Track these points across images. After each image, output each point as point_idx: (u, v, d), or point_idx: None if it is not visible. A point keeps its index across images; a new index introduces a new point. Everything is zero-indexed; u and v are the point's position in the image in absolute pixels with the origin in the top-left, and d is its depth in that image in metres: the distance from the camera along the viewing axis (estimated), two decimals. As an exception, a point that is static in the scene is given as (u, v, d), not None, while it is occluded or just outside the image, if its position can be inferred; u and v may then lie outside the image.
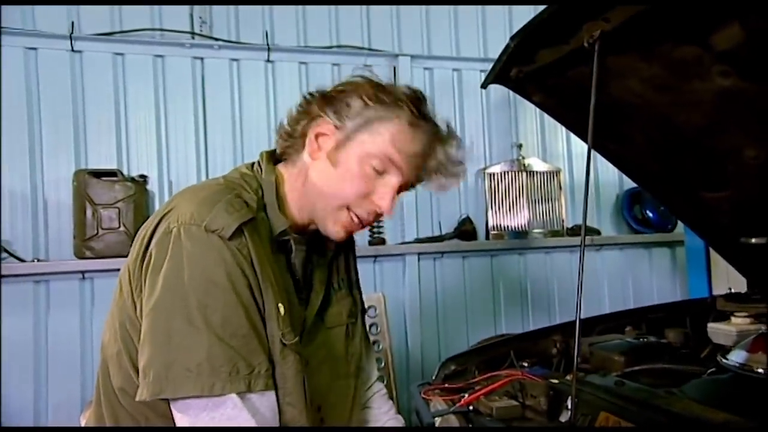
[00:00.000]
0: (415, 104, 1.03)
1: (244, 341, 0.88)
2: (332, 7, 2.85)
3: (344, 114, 1.01)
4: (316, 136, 1.03)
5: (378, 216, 1.06)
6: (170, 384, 0.84)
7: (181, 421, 0.87)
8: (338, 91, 1.04)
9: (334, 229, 1.05)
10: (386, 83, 1.06)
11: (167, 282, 0.87)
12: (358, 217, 1.04)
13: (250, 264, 0.91)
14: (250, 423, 0.86)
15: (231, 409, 0.85)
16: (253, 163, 1.10)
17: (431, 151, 1.05)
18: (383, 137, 1.00)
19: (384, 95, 1.01)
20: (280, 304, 0.94)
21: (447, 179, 1.09)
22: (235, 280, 0.88)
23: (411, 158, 1.03)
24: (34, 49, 2.43)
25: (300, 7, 2.81)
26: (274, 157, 1.11)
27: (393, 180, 1.02)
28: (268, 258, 0.96)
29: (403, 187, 1.06)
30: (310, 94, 1.06)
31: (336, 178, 1.01)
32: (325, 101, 1.03)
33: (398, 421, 1.30)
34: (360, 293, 1.28)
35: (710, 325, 1.48)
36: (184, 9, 2.65)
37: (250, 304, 0.90)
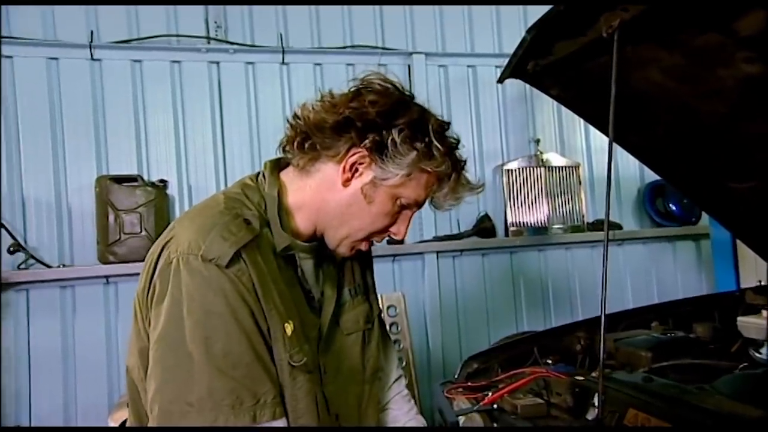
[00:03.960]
0: (456, 158, 1.04)
1: (247, 370, 0.88)
2: (345, 7, 2.86)
3: (390, 156, 0.96)
4: (351, 165, 0.99)
5: None
6: (174, 420, 0.84)
7: None
8: (384, 121, 0.97)
9: (345, 251, 1.07)
10: (433, 122, 1.01)
11: (169, 315, 0.88)
12: (372, 243, 1.10)
13: (251, 289, 0.90)
14: None
15: None
16: (257, 174, 1.08)
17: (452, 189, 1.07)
18: (420, 183, 1.01)
19: (434, 150, 0.98)
20: (286, 325, 0.93)
21: (453, 203, 1.10)
22: (236, 308, 0.88)
23: (433, 197, 1.07)
24: (56, 59, 2.48)
25: (313, 8, 2.82)
26: (279, 166, 1.08)
27: (411, 212, 1.07)
28: (274, 275, 0.95)
29: None
30: (347, 117, 0.97)
31: (369, 214, 1.02)
32: (372, 136, 0.96)
33: (418, 422, 1.29)
34: (376, 298, 1.27)
35: (740, 318, 1.45)
36: (200, 14, 2.68)
37: (252, 331, 0.90)
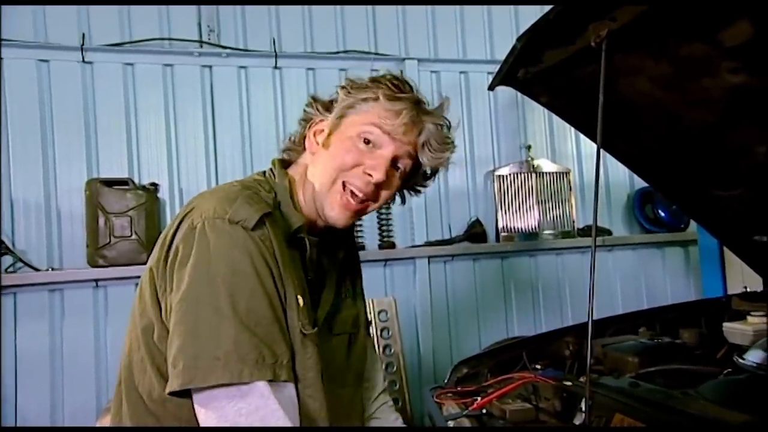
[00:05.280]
0: (392, 82, 1.10)
1: (268, 330, 0.90)
2: (338, 12, 2.87)
3: (332, 107, 1.11)
4: (314, 134, 1.12)
5: (376, 188, 1.07)
6: (200, 373, 0.85)
7: (203, 415, 0.87)
8: (343, 92, 1.12)
9: (335, 212, 1.07)
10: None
11: (194, 273, 0.89)
12: (353, 192, 1.06)
13: (272, 254, 0.93)
14: (278, 412, 0.86)
15: (258, 399, 0.86)
16: (265, 171, 1.14)
17: (419, 122, 1.09)
18: (368, 114, 1.07)
19: (363, 81, 1.12)
20: (299, 296, 0.96)
21: (437, 153, 1.11)
22: (260, 269, 0.91)
23: (398, 129, 1.06)
24: (46, 61, 2.47)
25: (306, 12, 2.83)
26: (285, 164, 1.16)
27: (385, 152, 1.06)
28: (285, 255, 0.98)
29: (399, 161, 1.09)
30: (308, 103, 1.16)
31: (329, 156, 1.08)
32: (317, 102, 1.14)
33: None
34: (364, 304, 1.29)
35: (726, 324, 1.46)
36: (193, 18, 2.68)
37: (273, 294, 0.92)
